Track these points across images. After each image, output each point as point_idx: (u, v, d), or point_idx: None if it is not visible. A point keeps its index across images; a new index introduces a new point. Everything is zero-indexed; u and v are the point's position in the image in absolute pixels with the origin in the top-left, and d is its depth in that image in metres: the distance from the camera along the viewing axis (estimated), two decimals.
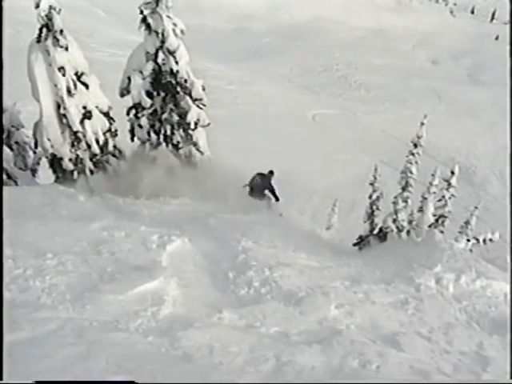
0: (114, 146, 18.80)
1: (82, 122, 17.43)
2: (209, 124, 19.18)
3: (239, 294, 11.76)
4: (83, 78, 17.20)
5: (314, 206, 28.41)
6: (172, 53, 17.81)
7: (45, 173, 18.96)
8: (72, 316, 9.19)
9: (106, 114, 18.22)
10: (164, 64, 17.81)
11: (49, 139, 17.15)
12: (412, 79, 70.40)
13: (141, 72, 18.01)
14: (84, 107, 17.42)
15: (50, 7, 15.98)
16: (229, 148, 32.84)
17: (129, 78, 18.25)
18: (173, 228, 14.61)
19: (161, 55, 17.72)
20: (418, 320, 11.95)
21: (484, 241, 18.71)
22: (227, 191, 18.88)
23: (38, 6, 15.82)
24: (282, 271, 12.92)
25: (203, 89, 18.85)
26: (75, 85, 16.92)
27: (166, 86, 18.21)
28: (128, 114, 18.84)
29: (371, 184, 18.13)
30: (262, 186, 19.63)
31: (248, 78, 60.20)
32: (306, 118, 50.45)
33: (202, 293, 11.51)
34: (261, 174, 19.73)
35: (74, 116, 17.07)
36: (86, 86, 17.28)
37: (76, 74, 17.01)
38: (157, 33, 17.67)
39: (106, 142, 18.36)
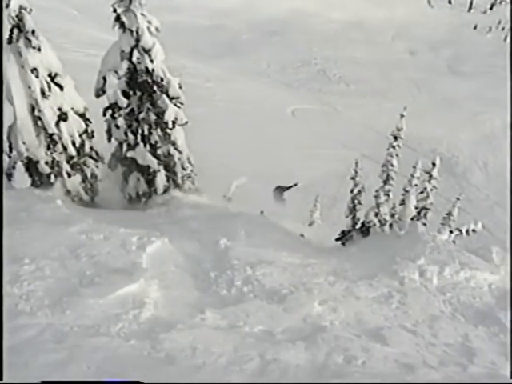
0: (91, 148, 18.67)
1: (57, 124, 17.29)
2: (187, 122, 19.11)
3: (221, 293, 11.78)
4: (57, 79, 17.06)
5: (296, 202, 28.37)
6: (147, 51, 17.70)
7: (21, 177, 18.81)
8: (51, 322, 9.15)
9: (82, 116, 18.08)
10: (139, 63, 17.69)
11: (24, 142, 17.00)
12: (391, 71, 70.72)
13: (116, 71, 17.88)
14: (59, 109, 17.27)
15: (21, 7, 15.82)
16: (208, 146, 32.78)
17: (104, 78, 18.12)
18: (153, 229, 14.58)
19: (136, 54, 17.60)
20: (402, 314, 12.04)
21: (467, 232, 18.86)
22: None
23: (7, 6, 15.65)
24: (264, 269, 12.96)
25: (180, 87, 18.76)
26: (49, 86, 16.77)
27: (142, 84, 18.10)
28: (104, 114, 18.70)
29: (352, 178, 18.20)
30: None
31: (226, 75, 60.08)
32: (285, 114, 50.44)
33: (184, 294, 11.51)
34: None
35: (49, 118, 16.92)
36: (61, 87, 17.13)
37: (50, 75, 16.86)
38: (131, 31, 17.55)
39: (82, 144, 18.23)
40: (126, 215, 17.88)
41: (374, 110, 54.57)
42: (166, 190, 19.49)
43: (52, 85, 16.89)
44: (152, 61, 17.76)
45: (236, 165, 30.61)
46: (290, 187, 24.03)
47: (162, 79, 18.14)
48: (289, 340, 9.78)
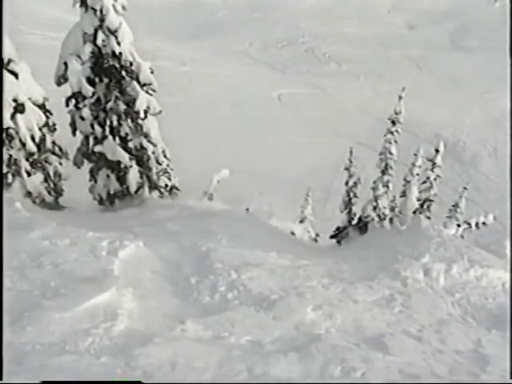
0: (53, 143, 18.56)
1: (13, 116, 17.16)
2: (160, 112, 19.05)
3: (203, 301, 11.75)
4: (11, 66, 16.91)
5: (285, 197, 28.43)
6: (113, 32, 17.61)
7: None
8: (11, 341, 9.05)
9: (42, 107, 17.96)
10: (105, 46, 17.60)
11: None
12: (388, 49, 70.86)
13: (79, 56, 17.77)
14: (14, 100, 17.13)
15: None
16: (185, 138, 32.73)
17: (65, 64, 18.01)
18: (125, 232, 14.52)
19: (100, 35, 17.51)
20: (406, 318, 12.06)
21: (476, 225, 18.96)
22: None
23: None
24: (250, 272, 12.94)
25: (152, 72, 18.70)
26: (1, 74, 16.64)
27: (108, 70, 18.02)
28: (67, 104, 18.59)
29: (347, 169, 18.25)
30: None
31: (203, 58, 60.02)
32: (270, 100, 50.50)
33: (162, 303, 11.47)
34: None
35: (4, 110, 16.81)
36: (15, 74, 17.00)
37: (1, 61, 16.73)
38: (94, 10, 17.45)
39: (43, 139, 18.11)
40: (95, 217, 17.81)
41: (369, 92, 54.75)
42: (139, 188, 19.43)
43: (5, 72, 16.74)
44: (119, 43, 17.68)
45: (217, 157, 30.52)
46: None
47: (131, 64, 18.06)
48: (280, 351, 9.77)
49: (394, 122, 17.15)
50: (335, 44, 72.34)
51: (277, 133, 40.57)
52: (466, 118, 47.79)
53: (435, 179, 17.38)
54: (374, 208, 17.65)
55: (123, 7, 17.73)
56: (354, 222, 18.47)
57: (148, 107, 18.57)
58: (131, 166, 18.94)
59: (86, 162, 19.23)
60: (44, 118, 18.01)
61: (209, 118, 39.39)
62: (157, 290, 11.97)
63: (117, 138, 18.68)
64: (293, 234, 20.08)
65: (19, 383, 7.41)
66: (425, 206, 17.48)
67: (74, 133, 18.95)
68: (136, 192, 19.32)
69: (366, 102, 50.50)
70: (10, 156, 17.50)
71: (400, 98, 16.92)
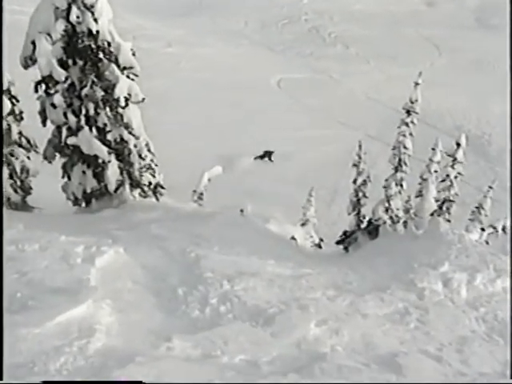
0: (20, 134, 18.56)
1: None
2: (143, 99, 19.05)
3: (192, 315, 11.75)
4: None
5: (285, 196, 28.41)
6: (89, 7, 17.58)
7: None
8: None
9: (6, 92, 17.96)
10: (79, 23, 17.57)
11: None
12: (403, 28, 70.83)
13: (49, 34, 17.74)
14: None
15: None
16: (172, 129, 32.72)
17: (33, 43, 17.98)
18: (103, 236, 14.52)
19: (74, 11, 17.47)
20: (422, 335, 12.06)
21: (503, 229, 18.99)
22: None
23: None
24: (245, 283, 12.95)
25: (133, 54, 18.69)
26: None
27: (83, 51, 17.99)
28: (36, 90, 18.58)
29: (355, 165, 18.24)
30: None
31: (192, 38, 60.00)
32: (269, 86, 50.53)
33: (145, 317, 11.47)
34: None
35: None
36: None
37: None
38: None
39: (8, 129, 18.11)
40: (69, 219, 17.79)
41: (380, 77, 54.78)
42: (119, 186, 19.41)
43: None
44: (96, 20, 17.65)
45: (208, 152, 30.58)
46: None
47: (109, 44, 18.05)
48: (278, 372, 9.77)
49: (408, 112, 17.16)
50: (342, 23, 72.31)
51: (275, 124, 40.58)
52: (491, 108, 47.77)
53: (456, 177, 17.38)
54: (386, 210, 17.67)
55: None
56: (363, 226, 18.47)
57: (129, 94, 18.55)
58: (110, 161, 18.91)
59: (58, 156, 19.20)
60: (9, 105, 18.00)
61: (198, 106, 39.34)
62: (139, 302, 11.96)
63: (93, 129, 18.65)
64: (293, 239, 20.08)
65: (19, 383, 7.66)
66: (444, 208, 17.48)
67: (44, 123, 18.92)
68: (115, 191, 19.30)
69: (377, 89, 50.50)
70: None
71: (416, 84, 16.93)
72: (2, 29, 15.73)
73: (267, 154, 37.36)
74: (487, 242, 18.07)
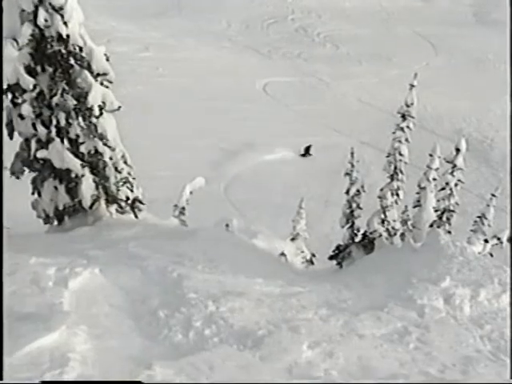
0: None
1: None
2: (119, 108, 19.06)
3: (175, 339, 11.71)
4: None
5: (274, 209, 28.43)
6: (58, 10, 17.59)
7: None
8: None
9: None
10: (48, 26, 17.57)
11: None
12: (396, 26, 71.26)
13: (15, 39, 17.78)
14: None
15: None
16: (150, 139, 32.70)
17: None
18: (77, 256, 14.47)
19: (42, 14, 17.47)
20: (423, 356, 12.03)
21: (508, 240, 19.01)
22: None
23: None
24: (231, 303, 12.91)
25: (107, 59, 18.72)
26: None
27: (53, 57, 18.00)
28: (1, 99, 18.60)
29: (348, 174, 18.26)
30: None
31: (171, 41, 60.11)
32: (254, 91, 50.61)
33: (123, 343, 11.41)
34: None
35: None
36: None
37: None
38: None
39: None
40: (40, 239, 17.73)
41: (373, 80, 54.98)
42: (94, 202, 19.38)
43: None
44: (66, 23, 17.67)
45: (189, 163, 30.55)
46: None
47: (80, 49, 18.07)
48: None
49: (404, 116, 17.20)
50: (332, 21, 72.67)
51: (261, 130, 40.61)
52: (493, 109, 48.01)
53: (456, 185, 17.43)
54: (382, 221, 17.69)
55: None
56: (357, 239, 18.48)
57: (103, 102, 18.57)
58: (84, 175, 18.89)
59: (27, 170, 19.16)
60: None
61: (178, 115, 39.38)
62: (117, 327, 11.91)
63: (65, 141, 18.64)
64: (283, 255, 20.09)
65: (19, 383, 7.86)
66: (444, 218, 17.53)
67: (10, 135, 18.89)
68: (90, 207, 19.27)
69: (370, 92, 50.67)
70: None
71: (411, 86, 16.98)
72: (3, 29, 15.69)
73: (307, 150, 37.77)
74: (491, 255, 18.11)
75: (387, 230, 17.70)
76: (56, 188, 19.09)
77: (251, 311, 12.80)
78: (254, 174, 33.27)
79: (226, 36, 68.63)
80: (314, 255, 23.58)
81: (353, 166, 18.08)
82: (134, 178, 19.95)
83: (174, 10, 73.78)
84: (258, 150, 37.25)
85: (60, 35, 17.68)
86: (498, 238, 18.90)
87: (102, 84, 18.58)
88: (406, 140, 17.38)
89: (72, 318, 11.37)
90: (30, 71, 17.95)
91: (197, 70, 51.25)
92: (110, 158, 19.24)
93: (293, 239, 25.49)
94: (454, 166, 17.22)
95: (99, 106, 18.47)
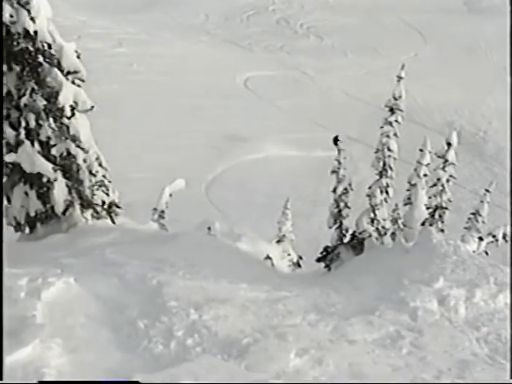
0: None
1: None
2: (92, 108, 19.02)
3: (155, 351, 11.68)
4: None
5: (258, 210, 28.42)
6: (24, 5, 17.55)
7: None
8: None
9: None
10: (14, 23, 17.53)
11: None
12: (383, 15, 71.26)
13: None
14: None
15: None
16: (126, 140, 32.65)
17: None
18: (51, 265, 14.42)
19: (8, 9, 17.41)
20: (418, 361, 12.05)
21: (504, 237, 19.06)
22: None
23: None
24: (215, 311, 12.90)
25: (78, 56, 18.67)
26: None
27: (20, 55, 17.94)
28: None
29: (334, 172, 18.27)
30: None
31: (146, 36, 60.00)
32: (235, 86, 50.59)
33: (101, 356, 11.38)
34: None
35: None
36: None
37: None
38: None
39: None
40: (10, 248, 17.62)
41: (360, 72, 55.08)
42: (68, 207, 19.33)
43: None
44: (33, 19, 17.62)
45: (168, 164, 30.51)
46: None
47: (50, 46, 18.02)
48: None
49: (392, 110, 17.22)
50: (315, 12, 72.69)
51: (244, 129, 40.60)
52: (486, 101, 48.12)
53: (448, 181, 17.49)
54: (372, 221, 17.71)
55: None
56: (346, 240, 18.50)
57: (75, 102, 18.53)
58: (56, 180, 18.84)
59: None
60: None
61: (155, 113, 39.33)
62: (94, 339, 11.88)
63: (36, 144, 18.58)
64: (268, 258, 20.09)
65: (19, 383, 8.05)
66: (436, 216, 17.58)
67: None
68: (64, 213, 19.22)
69: (357, 85, 50.74)
70: None
71: (399, 78, 17.00)
72: (2, 30, 15.99)
73: (335, 140, 38.00)
74: (486, 253, 18.17)
75: (377, 229, 17.73)
76: (27, 193, 19.03)
77: (236, 318, 12.80)
78: (236, 173, 33.26)
79: (204, 29, 68.57)
80: (300, 258, 23.58)
81: (340, 163, 18.10)
82: (109, 181, 19.91)
83: (149, 3, 73.53)
84: (240, 149, 37.26)
85: (27, 32, 17.63)
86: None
87: (73, 83, 18.53)
88: (395, 135, 17.41)
89: (46, 331, 11.33)
90: None
91: (174, 66, 51.20)
92: (84, 161, 19.20)
93: (278, 241, 25.47)
94: (446, 160, 17.28)
95: (71, 105, 18.42)
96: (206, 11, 72.66)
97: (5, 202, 19.27)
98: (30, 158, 18.47)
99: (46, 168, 18.59)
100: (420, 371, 11.63)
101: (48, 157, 18.73)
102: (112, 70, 45.42)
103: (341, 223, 18.57)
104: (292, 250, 23.97)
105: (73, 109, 18.54)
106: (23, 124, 18.37)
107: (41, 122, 18.42)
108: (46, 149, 18.74)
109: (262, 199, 30.45)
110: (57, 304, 12.60)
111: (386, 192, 17.70)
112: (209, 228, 20.09)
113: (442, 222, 17.62)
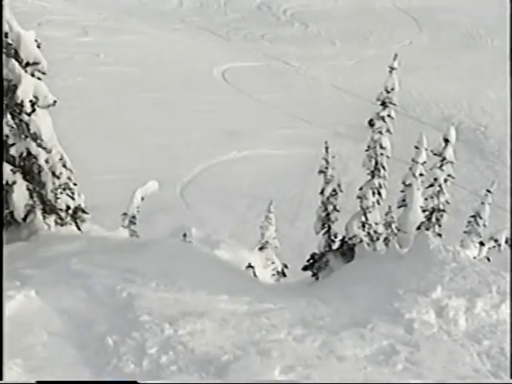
0: None
1: None
2: (55, 103, 18.96)
3: (126, 369, 11.64)
4: None
5: (238, 214, 28.41)
6: None
7: None
8: None
9: None
10: None
11: None
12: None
13: None
14: None
15: None
16: (92, 138, 32.57)
17: None
18: (9, 277, 14.35)
19: None
20: (414, 378, 12.08)
21: (507, 242, 19.12)
22: None
23: None
24: (191, 325, 12.89)
25: (38, 45, 18.62)
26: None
27: None
28: None
29: (322, 172, 18.27)
30: None
31: (114, 23, 59.95)
32: (212, 79, 50.66)
33: (66, 376, 11.36)
34: None
35: None
36: None
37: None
38: None
39: None
40: None
41: (349, 62, 55.26)
42: (29, 213, 19.27)
43: None
44: None
45: (139, 164, 30.49)
46: None
47: (6, 34, 17.96)
48: None
49: (384, 104, 17.24)
50: None
51: (222, 125, 40.63)
52: (487, 93, 48.29)
53: (446, 180, 17.51)
54: (363, 225, 17.74)
55: None
56: (334, 246, 18.51)
57: (35, 97, 18.47)
58: (15, 182, 18.78)
59: None
60: None
61: (124, 108, 39.28)
62: (57, 358, 11.84)
63: None
64: (250, 267, 20.09)
65: (19, 383, 8.36)
66: (433, 219, 17.61)
67: None
68: (24, 219, 19.16)
69: (346, 77, 50.94)
70: None
71: (392, 68, 17.02)
72: (2, 30, 16.07)
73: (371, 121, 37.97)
74: (488, 259, 18.21)
75: (369, 234, 17.75)
76: None
77: (214, 333, 12.79)
78: (214, 174, 33.23)
79: (177, 16, 68.63)
80: (285, 266, 23.61)
81: (327, 162, 18.09)
82: (75, 184, 19.84)
83: None
84: (218, 147, 37.25)
85: None
86: (496, 240, 18.99)
87: (33, 75, 18.48)
88: (388, 131, 17.42)
89: (4, 351, 11.28)
90: None
91: (145, 57, 51.22)
92: (46, 161, 19.13)
93: (261, 248, 25.50)
94: (444, 158, 17.29)
95: (31, 100, 18.37)
96: None
97: None
98: None
99: (5, 170, 18.54)
100: None
101: (6, 157, 18.68)
102: (76, 61, 45.34)
103: (329, 228, 18.58)
104: (276, 258, 24.00)
105: (33, 104, 18.48)
106: None
107: None
108: (4, 148, 18.68)
109: (242, 202, 30.46)
110: (16, 320, 12.54)
111: (379, 193, 17.72)
112: (184, 234, 20.08)
113: (440, 225, 17.65)
